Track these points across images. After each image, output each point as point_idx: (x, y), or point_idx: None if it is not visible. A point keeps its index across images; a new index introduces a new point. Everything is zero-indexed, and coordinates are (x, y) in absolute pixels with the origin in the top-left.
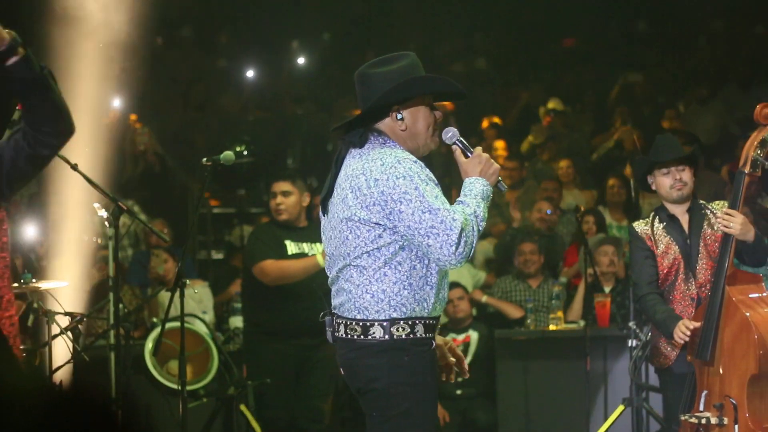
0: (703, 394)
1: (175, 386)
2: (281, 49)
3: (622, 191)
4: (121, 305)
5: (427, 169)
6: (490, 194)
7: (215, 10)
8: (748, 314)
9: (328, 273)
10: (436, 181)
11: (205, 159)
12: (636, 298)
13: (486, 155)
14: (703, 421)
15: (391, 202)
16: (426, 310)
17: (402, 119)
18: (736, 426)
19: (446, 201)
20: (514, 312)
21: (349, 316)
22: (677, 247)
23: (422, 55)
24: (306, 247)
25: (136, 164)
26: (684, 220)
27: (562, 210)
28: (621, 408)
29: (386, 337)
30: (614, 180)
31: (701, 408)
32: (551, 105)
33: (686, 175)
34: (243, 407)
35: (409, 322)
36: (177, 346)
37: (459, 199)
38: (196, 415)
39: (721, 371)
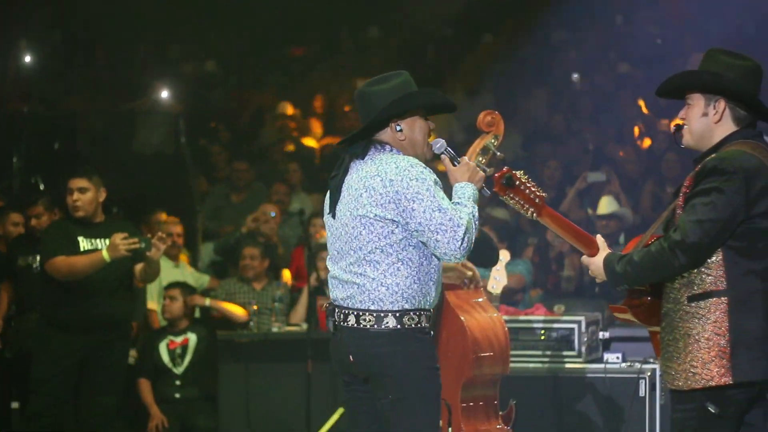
0: None
1: None
2: (8, 47)
3: None
4: None
5: (434, 174)
6: (478, 197)
7: None
8: (463, 319)
9: (330, 268)
10: (441, 185)
11: None
12: None
13: (473, 164)
14: None
15: (405, 200)
16: (428, 303)
17: (401, 130)
18: (450, 428)
19: (450, 203)
20: (238, 313)
21: (362, 307)
22: None
23: (153, 55)
24: (100, 243)
25: None
26: None
27: (289, 213)
28: (341, 410)
29: (398, 326)
30: None
31: None
32: (282, 109)
33: None
34: None
35: (417, 313)
36: None
37: (455, 201)
38: None
39: None
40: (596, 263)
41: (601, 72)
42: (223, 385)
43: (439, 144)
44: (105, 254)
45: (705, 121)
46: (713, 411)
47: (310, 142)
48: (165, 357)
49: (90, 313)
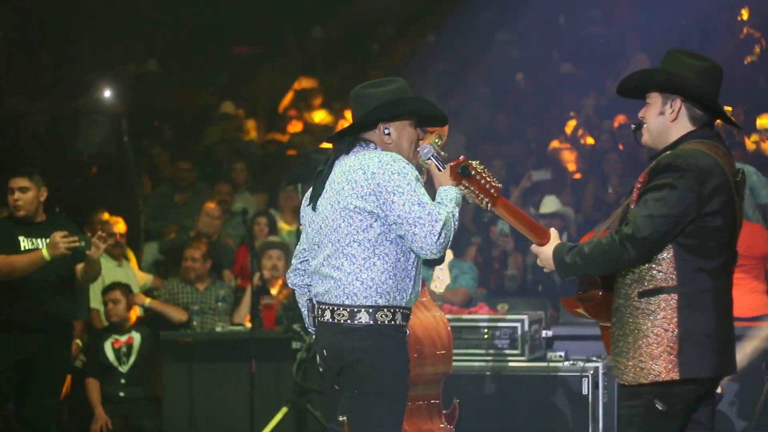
0: None
1: None
2: None
3: (294, 195)
4: None
5: (416, 171)
6: (460, 202)
7: None
8: None
9: (310, 264)
10: (423, 182)
11: None
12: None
13: None
14: None
15: (386, 193)
16: (404, 300)
17: (389, 134)
18: None
19: (431, 199)
20: (177, 315)
21: (337, 302)
22: None
23: (96, 55)
24: (41, 242)
25: None
26: None
27: (232, 213)
28: (284, 409)
29: (371, 322)
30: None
31: None
32: (224, 109)
33: None
34: None
35: (391, 310)
36: None
37: (437, 201)
38: None
39: None
40: (546, 253)
41: (544, 71)
42: (167, 385)
43: (426, 150)
44: (45, 253)
45: (661, 120)
46: (660, 408)
47: (253, 141)
48: (110, 356)
49: (31, 313)
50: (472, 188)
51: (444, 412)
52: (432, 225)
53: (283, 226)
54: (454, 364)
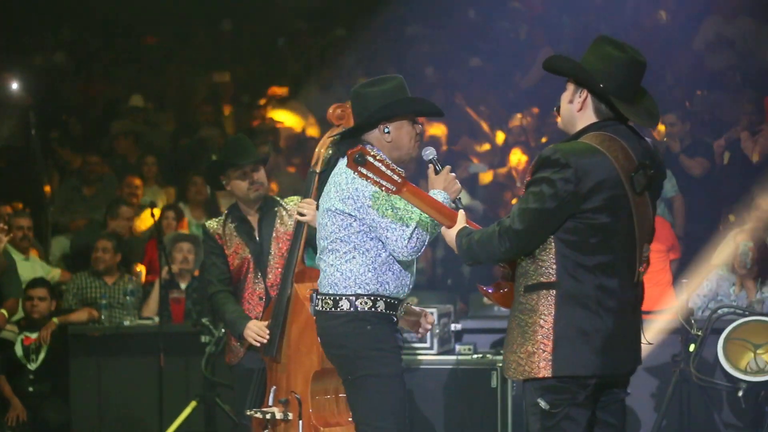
0: (272, 390)
1: None
2: None
3: (204, 189)
4: None
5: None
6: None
7: None
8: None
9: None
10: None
11: None
12: (207, 296)
13: (452, 175)
14: (269, 416)
15: (363, 197)
16: (387, 291)
17: (388, 132)
18: (300, 421)
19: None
20: (85, 317)
21: (323, 291)
22: (247, 247)
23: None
24: None
25: None
26: (255, 219)
27: (140, 206)
28: (194, 403)
29: (351, 309)
30: (196, 178)
31: (270, 403)
32: (133, 102)
33: (261, 175)
34: None
35: (372, 298)
36: None
37: None
38: None
39: (287, 367)
40: (450, 235)
41: (453, 66)
42: (75, 379)
43: (428, 151)
44: None
45: (570, 108)
46: (543, 406)
47: (163, 134)
48: (19, 352)
49: None
50: (370, 175)
51: None
52: (402, 230)
53: (193, 220)
54: None
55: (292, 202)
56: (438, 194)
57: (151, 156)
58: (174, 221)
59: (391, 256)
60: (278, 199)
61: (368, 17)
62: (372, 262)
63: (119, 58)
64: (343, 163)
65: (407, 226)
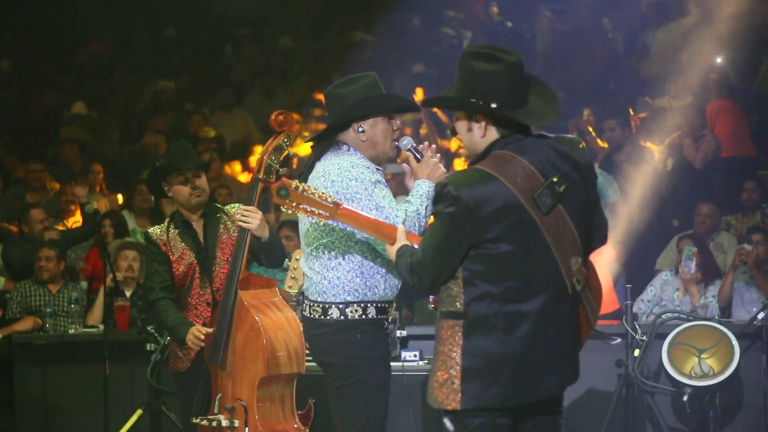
0: (218, 397)
1: None
2: None
3: (149, 197)
4: None
5: (379, 173)
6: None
7: None
8: (258, 318)
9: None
10: (386, 183)
11: None
12: (149, 303)
13: (434, 160)
14: (215, 423)
15: (344, 200)
16: (377, 295)
17: (363, 131)
18: (247, 428)
19: (393, 200)
20: (28, 326)
21: (312, 299)
22: (192, 253)
23: None
24: None
25: None
26: (199, 225)
27: (84, 214)
28: (139, 411)
29: (341, 317)
30: (141, 186)
31: (216, 411)
32: (76, 109)
33: (202, 181)
34: None
35: (362, 305)
36: None
37: (407, 198)
38: None
39: (233, 374)
40: (391, 254)
41: (397, 72)
42: (20, 387)
43: (405, 141)
44: None
45: (471, 137)
46: (448, 428)
47: (106, 142)
48: None
49: None
50: (301, 205)
51: (299, 412)
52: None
53: (137, 227)
54: (308, 364)
55: (234, 210)
56: (423, 184)
57: (96, 164)
58: (112, 228)
59: (377, 259)
60: (219, 206)
61: (313, 24)
62: (359, 267)
63: (62, 66)
64: (320, 166)
65: (393, 224)
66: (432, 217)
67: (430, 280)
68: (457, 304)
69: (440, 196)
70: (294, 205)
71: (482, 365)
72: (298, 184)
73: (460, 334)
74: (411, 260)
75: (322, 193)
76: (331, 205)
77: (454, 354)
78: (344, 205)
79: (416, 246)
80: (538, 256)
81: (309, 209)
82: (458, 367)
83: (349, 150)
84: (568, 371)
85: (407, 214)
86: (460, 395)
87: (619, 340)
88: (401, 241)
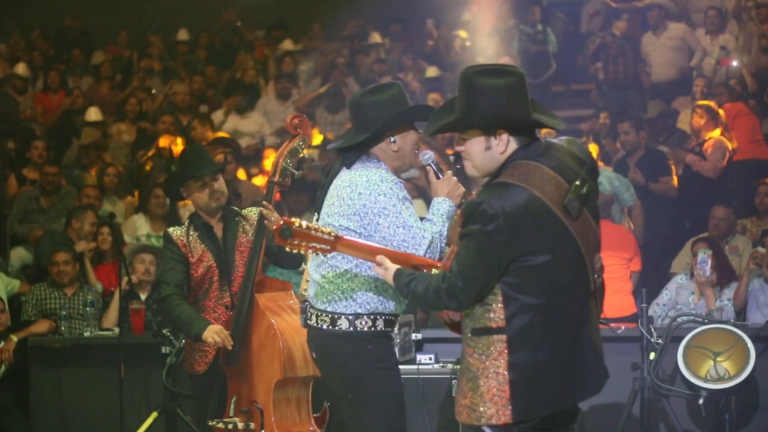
0: (233, 400)
1: None
2: None
3: (164, 201)
4: None
5: (405, 190)
6: (454, 213)
7: None
8: (274, 321)
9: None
10: (411, 200)
11: None
12: (160, 298)
13: (455, 179)
14: (230, 426)
15: (371, 214)
16: (388, 309)
17: (395, 142)
18: (263, 431)
19: (418, 219)
20: (43, 329)
21: (321, 308)
22: (212, 255)
23: None
24: None
25: None
26: (218, 228)
27: (99, 217)
28: (155, 414)
29: (351, 329)
30: (157, 189)
31: (231, 413)
32: (90, 113)
33: (220, 184)
34: None
35: (372, 317)
36: None
37: (428, 217)
38: None
39: (248, 377)
40: (387, 279)
41: (411, 75)
42: (35, 390)
43: (427, 156)
44: None
45: (489, 155)
46: None
47: (121, 145)
48: None
49: None
50: (304, 244)
51: (314, 415)
52: (415, 249)
53: (152, 231)
54: None
55: (251, 213)
56: (444, 203)
57: (111, 167)
58: (110, 236)
59: None
60: (237, 209)
61: (326, 26)
62: (374, 280)
63: (76, 70)
64: (346, 174)
65: (420, 246)
66: (461, 237)
67: (472, 301)
68: (497, 318)
69: (474, 215)
70: (297, 243)
71: (529, 377)
72: (299, 222)
73: (504, 349)
74: (445, 285)
75: (324, 227)
76: (333, 239)
77: (500, 371)
78: (345, 236)
79: (431, 269)
80: (571, 261)
81: (311, 245)
82: (507, 383)
83: (378, 162)
84: (603, 368)
85: (432, 235)
86: (511, 409)
87: (623, 328)
88: (391, 266)
